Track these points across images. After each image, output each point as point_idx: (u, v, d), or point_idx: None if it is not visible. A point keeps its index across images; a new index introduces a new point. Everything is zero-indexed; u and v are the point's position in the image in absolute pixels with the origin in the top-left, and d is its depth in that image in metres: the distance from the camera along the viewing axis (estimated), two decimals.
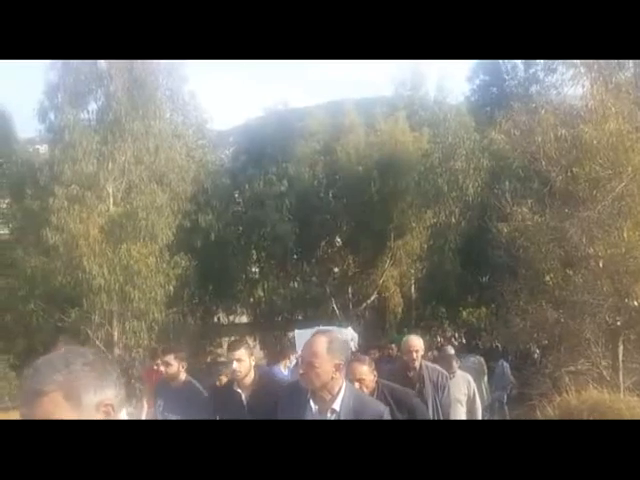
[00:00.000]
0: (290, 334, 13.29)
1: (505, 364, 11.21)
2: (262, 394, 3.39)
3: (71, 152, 14.71)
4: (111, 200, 15.37)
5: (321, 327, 9.43)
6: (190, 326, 16.89)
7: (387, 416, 2.41)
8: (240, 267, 18.84)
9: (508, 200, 10.57)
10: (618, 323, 8.60)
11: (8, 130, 18.23)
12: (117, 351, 14.30)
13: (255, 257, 19.81)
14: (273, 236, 18.20)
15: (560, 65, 17.17)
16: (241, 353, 3.54)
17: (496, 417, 9.85)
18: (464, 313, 18.64)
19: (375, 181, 18.09)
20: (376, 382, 3.44)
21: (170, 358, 4.19)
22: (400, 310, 18.94)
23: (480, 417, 5.59)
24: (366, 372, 3.39)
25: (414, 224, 18.37)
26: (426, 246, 18.45)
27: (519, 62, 23.09)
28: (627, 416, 4.32)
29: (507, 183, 12.28)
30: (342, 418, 2.29)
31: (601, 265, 8.65)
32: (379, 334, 17.34)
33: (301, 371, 2.41)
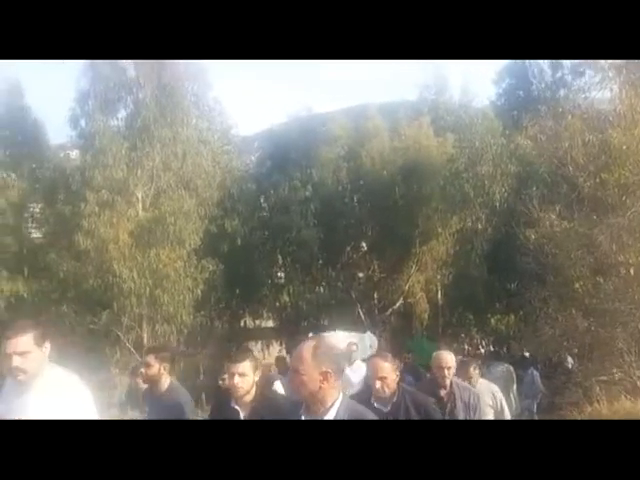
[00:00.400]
0: None
1: (535, 372, 11.03)
2: (263, 413, 3.00)
3: (101, 158, 15.08)
4: (140, 205, 15.69)
5: (338, 331, 9.34)
6: (217, 329, 17.09)
7: None
8: (266, 272, 18.99)
9: (535, 206, 10.46)
10: None
11: (41, 137, 18.76)
12: None
13: (281, 262, 19.93)
14: (298, 241, 18.30)
15: (588, 68, 16.92)
16: (245, 367, 3.15)
17: None
18: (492, 320, 18.43)
19: (400, 186, 18.04)
20: (397, 384, 3.28)
21: (151, 358, 3.78)
22: (426, 316, 18.79)
23: None
24: (388, 370, 3.20)
25: (440, 229, 18.24)
26: (452, 252, 18.29)
27: (546, 65, 22.75)
28: None
29: (534, 189, 12.13)
30: None
31: (632, 272, 8.49)
32: (405, 340, 17.25)
33: (288, 378, 2.25)
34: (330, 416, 2.08)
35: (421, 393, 3.54)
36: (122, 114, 16.90)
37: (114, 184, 15.12)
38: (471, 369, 5.35)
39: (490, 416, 5.07)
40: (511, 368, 9.01)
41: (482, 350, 13.64)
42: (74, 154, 18.72)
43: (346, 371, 6.57)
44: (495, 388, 5.44)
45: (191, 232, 15.23)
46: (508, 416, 5.39)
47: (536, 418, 10.31)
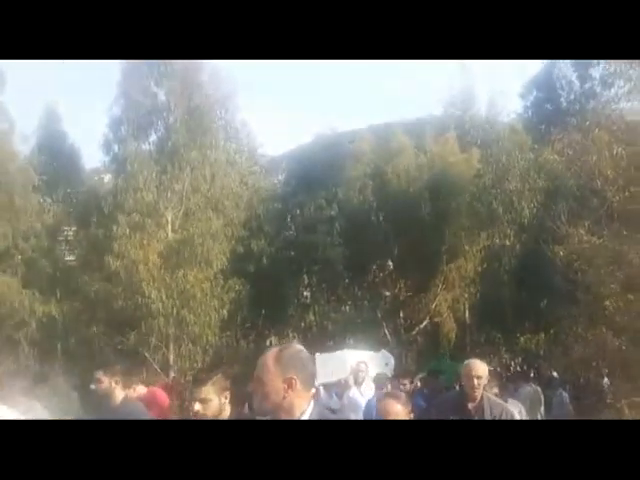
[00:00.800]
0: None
1: (564, 394, 10.69)
2: None
3: (133, 182, 15.49)
4: (169, 227, 16.01)
5: (345, 350, 9.02)
6: (243, 349, 17.16)
7: None
8: (292, 291, 19.04)
9: (564, 222, 10.29)
10: None
11: (76, 161, 19.47)
12: (172, 374, 14.69)
13: (306, 281, 19.96)
14: (324, 260, 18.33)
15: (617, 78, 16.60)
16: (206, 392, 2.81)
17: None
18: (522, 340, 17.97)
19: (426, 203, 17.93)
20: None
21: (99, 374, 3.65)
22: (454, 335, 18.46)
23: None
24: (400, 413, 2.92)
25: (467, 247, 18.01)
26: (480, 269, 18.00)
27: (574, 77, 22.44)
28: None
29: (563, 204, 11.91)
30: None
31: None
32: (432, 360, 16.97)
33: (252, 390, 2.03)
34: None
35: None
36: (153, 138, 17.38)
37: (144, 207, 15.49)
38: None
39: None
40: (539, 389, 8.77)
41: (511, 370, 13.28)
42: (107, 178, 19.32)
43: (352, 392, 6.39)
44: (520, 406, 5.37)
45: (218, 253, 15.44)
46: None
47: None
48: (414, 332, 18.66)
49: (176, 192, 16.09)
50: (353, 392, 6.43)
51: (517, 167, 18.23)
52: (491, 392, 5.34)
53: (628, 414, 6.05)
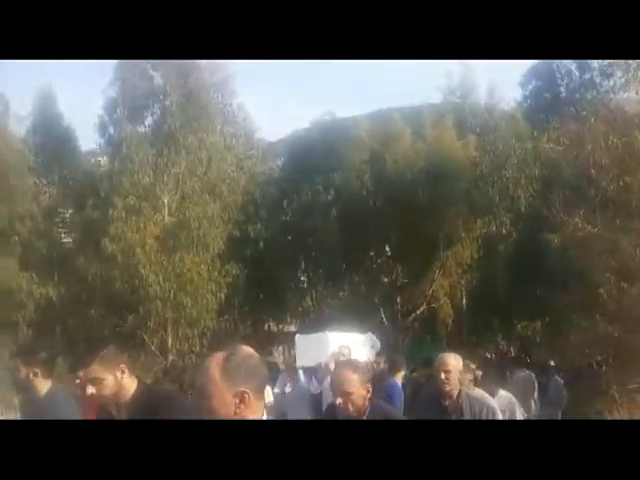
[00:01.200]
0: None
1: (559, 380, 10.82)
2: (146, 410, 2.47)
3: (129, 164, 15.46)
4: (166, 210, 16.01)
5: (327, 332, 8.53)
6: (241, 333, 17.28)
7: None
8: (289, 276, 19.11)
9: (559, 210, 10.33)
10: None
11: (72, 143, 19.36)
12: (171, 357, 14.81)
13: (304, 266, 20.03)
14: (321, 245, 18.38)
15: (617, 69, 16.58)
16: (95, 371, 2.56)
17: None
18: (518, 326, 18.13)
19: (424, 190, 17.94)
20: (369, 400, 2.72)
21: (17, 362, 3.25)
22: (450, 322, 18.60)
23: None
24: (355, 383, 2.64)
25: (464, 234, 18.06)
26: (477, 256, 18.09)
27: (574, 67, 22.32)
28: None
29: (559, 193, 11.96)
30: None
31: None
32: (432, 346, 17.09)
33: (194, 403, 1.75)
34: None
35: (394, 409, 3.06)
36: (149, 121, 17.36)
37: (141, 190, 15.48)
38: (491, 384, 5.05)
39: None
40: (533, 375, 8.88)
41: (507, 357, 13.46)
42: (103, 160, 19.26)
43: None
44: (511, 397, 5.32)
45: (215, 237, 15.48)
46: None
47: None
48: (411, 318, 18.79)
49: (172, 175, 16.08)
50: None
51: (514, 155, 18.24)
52: (481, 380, 5.38)
53: (619, 400, 6.16)
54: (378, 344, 8.73)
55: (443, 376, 3.47)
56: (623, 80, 11.22)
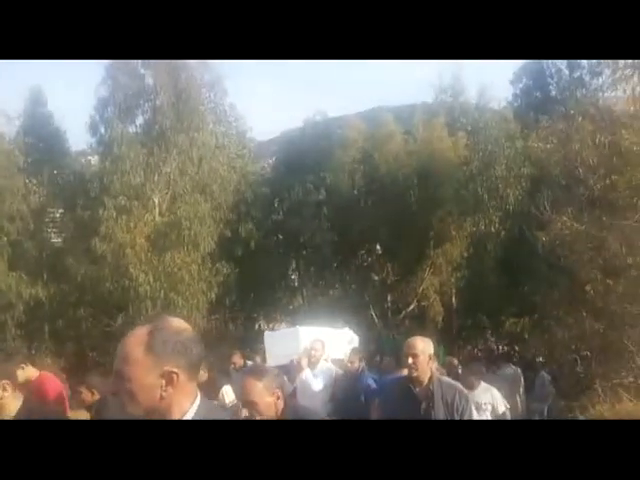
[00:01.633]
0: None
1: (546, 376, 10.96)
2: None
3: (120, 164, 15.41)
4: (157, 210, 15.98)
5: (299, 327, 8.03)
6: (232, 333, 17.28)
7: None
8: (280, 275, 19.15)
9: (547, 208, 10.44)
10: None
11: (62, 143, 19.26)
12: None
13: (294, 265, 20.08)
14: (312, 244, 18.44)
15: (606, 68, 16.75)
16: None
17: None
18: (507, 323, 18.28)
19: (414, 189, 18.07)
20: (282, 410, 2.48)
21: None
22: (440, 319, 18.74)
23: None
24: (259, 391, 2.42)
25: (454, 232, 18.22)
26: (466, 254, 18.24)
27: (563, 65, 22.54)
28: None
29: (546, 191, 12.09)
30: None
31: None
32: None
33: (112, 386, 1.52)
34: None
35: (310, 408, 2.76)
36: (140, 121, 17.28)
37: (132, 190, 15.44)
38: (472, 377, 5.10)
39: (487, 416, 5.05)
40: (519, 370, 8.99)
41: (496, 353, 13.60)
42: (93, 160, 19.18)
43: (305, 375, 5.65)
44: (493, 390, 5.35)
45: (206, 236, 15.46)
46: (509, 417, 5.38)
47: (546, 419, 10.25)
48: (401, 316, 18.90)
49: (163, 175, 16.05)
50: (306, 375, 5.66)
51: (504, 155, 18.40)
52: (475, 382, 5.18)
53: (602, 394, 6.27)
54: (356, 339, 8.33)
55: (410, 361, 3.27)
56: (611, 80, 11.34)
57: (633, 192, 8.92)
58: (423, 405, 3.26)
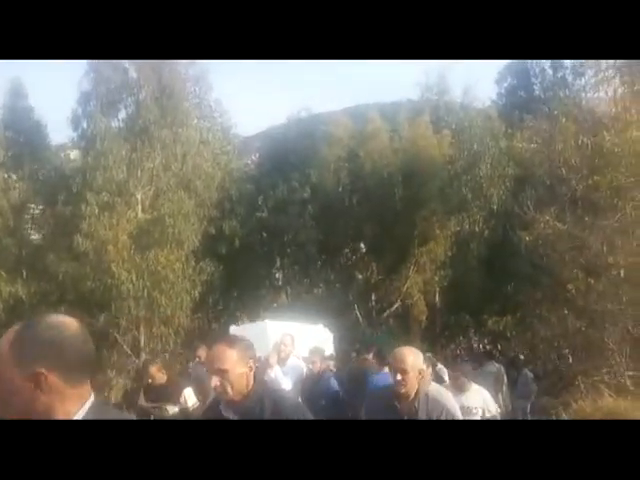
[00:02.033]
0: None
1: (528, 374, 11.08)
2: None
3: (102, 160, 15.18)
4: (139, 207, 15.79)
5: (267, 320, 7.35)
6: (215, 331, 17.17)
7: None
8: (264, 273, 19.09)
9: (531, 208, 10.53)
10: None
11: (43, 138, 18.93)
12: (144, 355, 14.64)
13: (279, 263, 20.03)
14: (297, 242, 18.40)
15: (589, 68, 16.95)
16: None
17: None
18: (489, 322, 18.47)
19: (399, 188, 18.13)
20: (252, 386, 2.21)
21: None
22: (424, 318, 18.85)
23: None
24: (232, 361, 2.17)
25: (438, 231, 18.33)
26: (450, 254, 18.36)
27: (547, 65, 22.81)
28: None
29: (530, 191, 12.21)
30: None
31: (622, 274, 8.55)
32: (404, 342, 17.23)
33: None
34: None
35: (291, 398, 2.48)
36: (123, 115, 17.05)
37: (114, 186, 15.23)
38: (462, 378, 4.90)
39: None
40: (502, 368, 9.06)
41: (478, 351, 13.73)
42: (74, 154, 18.88)
43: (273, 372, 5.30)
44: (485, 393, 5.18)
45: (190, 234, 15.32)
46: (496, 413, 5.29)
47: (529, 418, 10.37)
48: (385, 314, 18.98)
49: (147, 171, 15.86)
50: (275, 372, 5.29)
51: (488, 154, 18.54)
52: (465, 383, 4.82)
53: (584, 391, 6.37)
54: (330, 336, 7.86)
55: (399, 377, 2.94)
56: (593, 81, 11.47)
57: (614, 193, 9.04)
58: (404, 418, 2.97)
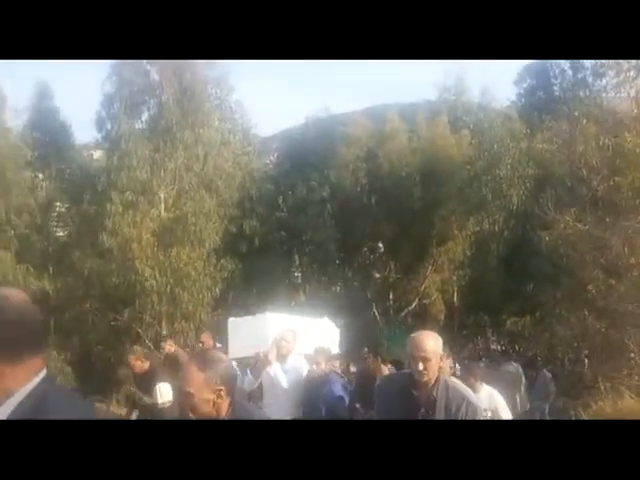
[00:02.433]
0: None
1: (547, 374, 11.06)
2: None
3: (127, 160, 15.52)
4: (162, 206, 16.10)
5: (267, 313, 6.95)
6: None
7: None
8: (283, 271, 19.26)
9: (551, 208, 10.56)
10: None
11: (68, 138, 19.37)
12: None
13: (297, 262, 20.19)
14: (315, 241, 18.55)
15: (609, 69, 16.81)
16: None
17: None
18: (508, 322, 18.42)
19: (417, 187, 18.16)
20: (226, 410, 1.99)
21: None
22: (442, 317, 18.87)
23: None
24: (199, 385, 1.95)
25: (456, 231, 18.32)
26: (469, 253, 18.34)
27: (567, 66, 22.61)
28: None
29: (551, 191, 12.21)
30: None
31: None
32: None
33: None
34: None
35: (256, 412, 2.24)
36: (146, 116, 17.38)
37: (138, 185, 15.55)
38: (472, 379, 4.78)
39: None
40: (520, 368, 9.10)
41: (496, 352, 13.73)
42: (98, 154, 19.28)
43: (272, 370, 4.96)
44: (493, 391, 5.00)
45: (211, 232, 15.60)
46: (507, 417, 5.16)
47: (547, 419, 10.38)
48: (403, 313, 19.02)
49: (169, 171, 16.15)
50: (275, 370, 4.93)
51: (508, 154, 18.48)
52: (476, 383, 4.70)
53: (604, 392, 6.39)
54: (337, 331, 7.36)
55: (421, 367, 2.68)
56: (615, 81, 11.44)
57: (635, 193, 9.04)
58: (422, 411, 2.77)
